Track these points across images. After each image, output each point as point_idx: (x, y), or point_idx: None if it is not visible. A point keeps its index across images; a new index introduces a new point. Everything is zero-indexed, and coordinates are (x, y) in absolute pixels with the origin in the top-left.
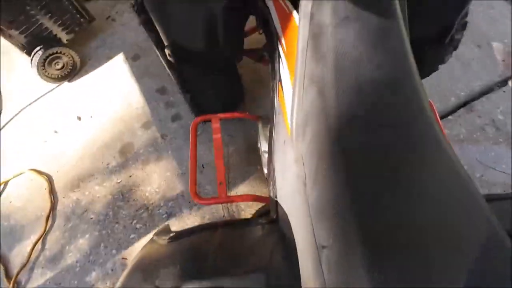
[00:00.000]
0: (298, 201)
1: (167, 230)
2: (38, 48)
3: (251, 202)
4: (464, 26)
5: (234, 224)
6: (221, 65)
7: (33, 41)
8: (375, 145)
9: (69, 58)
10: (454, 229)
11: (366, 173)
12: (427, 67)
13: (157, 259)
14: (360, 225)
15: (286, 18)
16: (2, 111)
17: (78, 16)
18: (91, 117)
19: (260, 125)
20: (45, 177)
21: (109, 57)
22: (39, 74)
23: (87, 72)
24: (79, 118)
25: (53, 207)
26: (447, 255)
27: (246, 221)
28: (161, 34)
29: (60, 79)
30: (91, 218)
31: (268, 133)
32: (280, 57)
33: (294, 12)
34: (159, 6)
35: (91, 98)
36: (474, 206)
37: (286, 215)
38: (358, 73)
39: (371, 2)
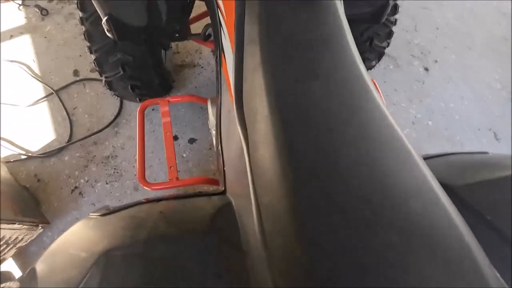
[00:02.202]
0: (241, 164)
1: (105, 207)
2: None
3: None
4: (395, 8)
5: (178, 196)
6: (165, 44)
7: None
8: (308, 97)
9: None
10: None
11: (301, 132)
12: (368, 43)
13: (87, 233)
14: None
15: None
16: None
17: (24, 231)
18: None
19: (209, 104)
20: None
21: None
22: None
23: None
24: None
25: None
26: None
27: (192, 194)
28: (96, 7)
29: None
30: None
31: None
32: (222, 26)
33: None
34: None
35: None
36: (407, 157)
37: (233, 183)
38: (292, 31)
39: None
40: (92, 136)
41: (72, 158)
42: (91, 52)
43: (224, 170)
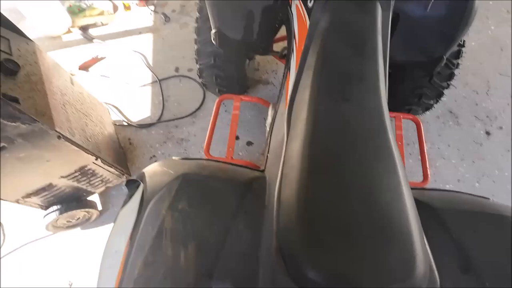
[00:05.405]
0: (279, 151)
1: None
2: (54, 208)
3: None
4: (459, 53)
5: (231, 163)
6: (250, 55)
7: (54, 200)
8: (337, 113)
9: (86, 212)
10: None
11: (324, 135)
12: (427, 79)
13: (174, 163)
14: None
15: (301, 22)
16: (3, 245)
17: (115, 175)
18: None
19: (270, 107)
20: None
21: None
22: (47, 228)
23: (103, 223)
24: (70, 285)
25: None
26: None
27: (241, 165)
28: (210, 20)
29: (68, 228)
30: None
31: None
32: (293, 51)
33: (307, 17)
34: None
35: (91, 260)
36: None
37: (270, 165)
38: (339, 65)
39: (354, 15)
40: (175, 120)
41: (157, 133)
42: (195, 43)
43: (267, 156)
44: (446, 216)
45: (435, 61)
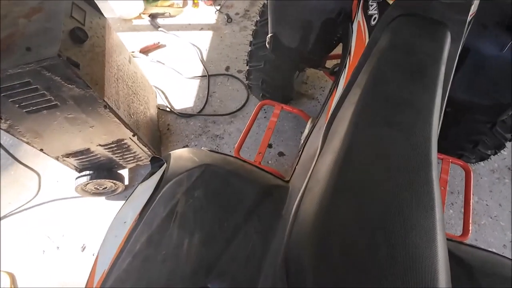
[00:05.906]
0: (309, 164)
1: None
2: (87, 172)
3: None
4: None
5: (258, 167)
6: (301, 66)
7: (88, 165)
8: (378, 136)
9: (113, 184)
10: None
11: (356, 158)
12: (489, 126)
13: (200, 153)
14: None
15: (360, 40)
16: (37, 195)
17: (147, 155)
18: (93, 255)
19: (309, 120)
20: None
21: None
22: (76, 190)
23: (126, 198)
24: (83, 248)
25: None
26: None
27: (267, 170)
28: (269, 24)
29: (95, 195)
30: None
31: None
32: (345, 68)
33: (367, 35)
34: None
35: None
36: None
37: (296, 177)
38: (390, 88)
39: (420, 39)
40: (214, 116)
41: (194, 125)
42: (250, 45)
43: (295, 168)
44: (483, 278)
45: (501, 108)
